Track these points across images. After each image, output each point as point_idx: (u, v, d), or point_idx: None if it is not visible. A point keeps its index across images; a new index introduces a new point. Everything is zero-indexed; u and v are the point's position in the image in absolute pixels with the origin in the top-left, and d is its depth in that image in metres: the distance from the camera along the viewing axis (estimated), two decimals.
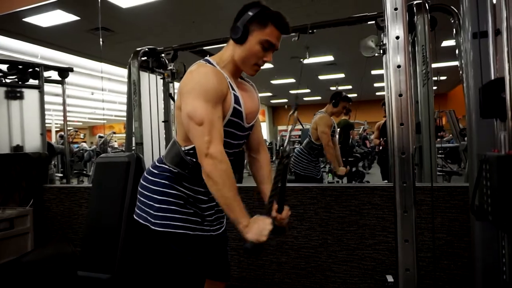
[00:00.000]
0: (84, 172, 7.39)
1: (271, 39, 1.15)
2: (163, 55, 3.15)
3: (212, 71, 1.13)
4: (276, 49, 1.19)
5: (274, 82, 10.52)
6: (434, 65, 2.25)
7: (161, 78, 3.26)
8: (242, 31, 1.14)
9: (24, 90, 3.76)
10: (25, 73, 3.74)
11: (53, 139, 10.98)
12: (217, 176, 1.05)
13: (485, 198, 1.16)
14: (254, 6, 1.15)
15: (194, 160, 1.18)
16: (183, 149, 1.20)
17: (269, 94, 13.25)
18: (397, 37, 1.08)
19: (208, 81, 1.09)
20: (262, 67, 1.23)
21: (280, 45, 1.19)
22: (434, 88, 2.27)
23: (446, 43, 5.75)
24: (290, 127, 1.19)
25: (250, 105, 1.24)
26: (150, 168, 1.28)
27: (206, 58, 1.21)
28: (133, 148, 3.05)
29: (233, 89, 1.16)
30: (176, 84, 3.34)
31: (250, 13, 1.14)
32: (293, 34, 2.32)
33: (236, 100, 1.16)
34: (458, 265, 1.90)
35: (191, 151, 1.18)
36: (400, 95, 1.07)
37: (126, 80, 3.07)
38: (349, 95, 3.16)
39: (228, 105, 1.14)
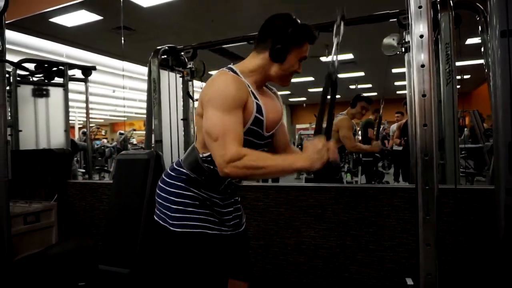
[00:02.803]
0: (105, 168, 7.56)
1: (306, 54, 1.21)
2: (182, 53, 3.18)
3: (233, 78, 1.13)
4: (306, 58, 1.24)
5: (292, 80, 10.37)
6: (458, 63, 2.18)
7: (180, 77, 3.30)
8: (282, 53, 1.16)
9: (49, 88, 3.88)
10: (50, 72, 3.86)
11: (76, 136, 11.28)
12: (245, 171, 1.05)
13: None
14: (288, 23, 1.16)
15: (211, 167, 1.19)
16: (201, 155, 1.20)
17: (288, 92, 13.19)
18: (421, 36, 1.05)
19: (227, 88, 1.09)
20: None
21: None
22: (458, 87, 2.21)
23: (470, 41, 5.55)
24: (336, 39, 1.19)
25: (273, 115, 1.24)
26: (168, 170, 1.30)
27: (229, 66, 1.21)
28: (153, 145, 3.10)
29: (255, 98, 1.16)
30: (196, 83, 3.37)
31: (287, 32, 1.14)
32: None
33: (259, 109, 1.16)
34: (481, 270, 1.84)
35: (209, 159, 1.19)
36: (424, 95, 1.04)
37: (146, 78, 3.12)
38: (369, 94, 3.11)
39: (249, 114, 1.14)
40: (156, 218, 1.26)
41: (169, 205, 1.21)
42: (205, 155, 1.19)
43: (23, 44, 5.92)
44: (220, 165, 1.06)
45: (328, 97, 1.14)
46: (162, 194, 1.25)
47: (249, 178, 1.11)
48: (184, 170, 1.23)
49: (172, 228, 1.19)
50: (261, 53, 1.20)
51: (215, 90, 1.11)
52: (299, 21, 1.18)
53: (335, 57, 1.17)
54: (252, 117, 1.15)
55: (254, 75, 1.20)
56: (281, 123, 1.35)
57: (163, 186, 1.27)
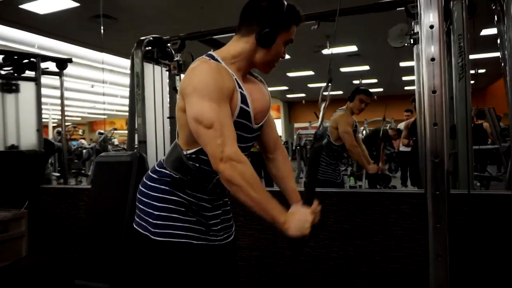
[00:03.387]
0: (83, 171, 7.51)
1: (293, 37, 1.22)
2: (169, 44, 3.16)
3: (216, 67, 1.12)
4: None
5: (290, 74, 10.49)
6: (471, 57, 2.20)
7: (166, 70, 3.28)
8: (271, 38, 1.17)
9: (19, 82, 3.84)
10: (21, 64, 3.81)
11: (50, 136, 11.19)
12: (239, 179, 1.03)
13: None
14: (274, 4, 1.16)
15: (197, 165, 1.19)
16: (185, 153, 1.19)
17: (285, 88, 13.22)
18: (431, 26, 1.05)
19: (212, 78, 1.09)
20: None
21: (297, 34, 1.23)
22: (472, 82, 2.23)
23: (485, 32, 5.61)
24: (323, 105, 1.18)
25: (259, 104, 1.24)
26: (149, 173, 1.29)
27: (209, 52, 1.20)
28: (136, 146, 3.08)
29: (240, 87, 1.16)
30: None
31: (275, 15, 1.15)
32: (313, 21, 2.30)
33: (243, 99, 1.15)
34: (497, 284, 1.85)
35: (193, 156, 1.18)
36: (434, 91, 1.04)
37: (128, 72, 3.10)
38: (374, 90, 3.12)
39: (234, 105, 1.13)
40: (135, 226, 1.25)
41: (151, 211, 1.20)
42: (189, 151, 1.19)
43: None
44: (215, 155, 1.04)
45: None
46: (143, 199, 1.24)
47: (231, 190, 1.07)
48: (167, 171, 1.22)
49: (153, 237, 1.17)
50: (245, 36, 1.20)
51: (198, 81, 1.10)
52: (285, 1, 1.18)
53: (321, 126, 1.17)
54: (238, 109, 1.14)
55: (237, 61, 1.20)
56: (269, 115, 1.34)
57: (144, 190, 1.26)
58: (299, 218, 1.06)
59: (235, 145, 1.06)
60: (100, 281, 2.13)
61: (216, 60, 1.16)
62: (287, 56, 1.27)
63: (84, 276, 2.20)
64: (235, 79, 1.16)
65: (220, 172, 1.05)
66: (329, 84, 1.17)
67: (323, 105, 1.17)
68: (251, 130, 1.22)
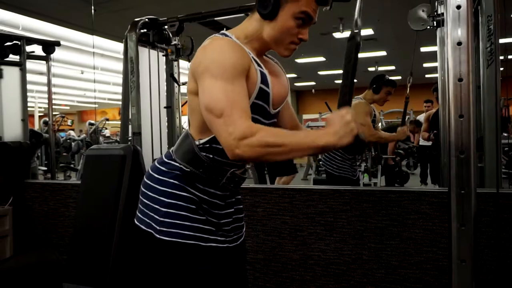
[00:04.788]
0: (72, 165, 7.57)
1: (307, 9, 1.12)
2: (166, 27, 3.16)
3: (229, 43, 1.12)
4: (314, 22, 1.17)
5: (299, 61, 10.46)
6: (501, 41, 2.18)
7: (163, 55, 3.28)
8: (273, 4, 1.12)
9: (2, 67, 3.85)
10: (3, 47, 3.82)
11: (36, 126, 11.27)
12: (263, 150, 1.00)
13: None
14: None
15: (211, 156, 1.18)
16: (197, 143, 1.19)
17: (293, 75, 13.19)
18: (458, 7, 1.04)
19: (225, 54, 1.08)
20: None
21: None
22: (501, 69, 2.21)
23: None
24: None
25: (278, 88, 1.23)
26: (157, 164, 1.28)
27: (222, 31, 1.20)
28: (130, 138, 3.09)
29: (259, 66, 1.15)
30: (182, 63, 3.35)
31: None
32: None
33: (263, 79, 1.15)
34: None
35: (206, 145, 1.18)
36: (460, 79, 1.03)
37: (122, 57, 3.10)
38: (392, 78, 3.11)
39: (253, 85, 1.12)
40: (137, 223, 1.25)
41: (157, 207, 1.20)
42: (202, 141, 1.18)
43: None
44: (229, 145, 1.02)
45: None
46: (149, 193, 1.24)
47: (265, 160, 1.08)
48: (177, 164, 1.22)
49: (158, 236, 1.17)
50: (255, 13, 1.19)
51: (210, 59, 1.09)
52: None
53: (358, 15, 1.15)
54: (257, 88, 1.13)
55: (251, 41, 1.19)
56: (287, 101, 1.35)
57: (150, 183, 1.25)
58: (339, 123, 1.03)
59: (246, 120, 1.03)
60: (90, 285, 2.15)
61: (230, 38, 1.16)
62: None
63: (73, 279, 2.22)
64: (252, 57, 1.15)
65: (240, 156, 1.01)
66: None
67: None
68: (268, 115, 1.21)
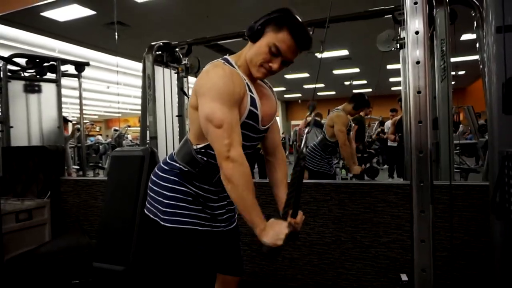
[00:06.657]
0: (100, 165, 7.51)
1: (280, 45, 1.08)
2: (177, 49, 3.15)
3: (229, 73, 1.10)
4: (288, 60, 1.12)
5: (288, 76, 10.45)
6: (452, 59, 2.19)
7: (175, 73, 3.27)
8: (256, 30, 1.10)
9: (41, 84, 3.83)
10: (42, 67, 3.80)
11: (70, 132, 11.16)
12: (238, 179, 1.03)
13: (507, 196, 1.13)
14: (279, 10, 1.11)
15: (205, 159, 1.18)
16: (194, 147, 1.19)
17: (283, 88, 13.17)
18: (417, 32, 1.04)
19: (224, 83, 1.06)
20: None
21: None
22: (453, 83, 2.21)
23: (465, 37, 5.58)
24: (306, 129, 1.16)
25: (267, 108, 1.22)
26: (161, 164, 1.29)
27: (225, 57, 1.18)
28: (147, 142, 3.08)
29: (250, 91, 1.13)
30: (190, 79, 3.34)
31: (271, 15, 1.10)
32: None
33: (253, 103, 1.14)
34: (475, 266, 1.85)
35: (202, 150, 1.18)
36: (419, 92, 1.03)
37: (140, 74, 3.09)
38: (364, 90, 3.11)
39: (244, 107, 1.12)
40: (146, 212, 1.26)
41: (161, 199, 1.21)
42: (199, 146, 1.18)
43: (14, 39, 5.85)
44: (222, 153, 1.03)
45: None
46: (155, 188, 1.25)
47: (227, 187, 1.06)
48: (178, 164, 1.22)
49: (162, 223, 1.18)
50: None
51: (212, 84, 1.07)
52: (298, 17, 1.11)
53: (304, 148, 1.11)
54: (247, 110, 1.13)
55: (244, 64, 1.17)
56: (276, 125, 1.33)
57: (155, 180, 1.26)
58: (275, 230, 1.03)
59: (240, 148, 1.05)
60: (116, 263, 2.14)
61: (230, 63, 1.15)
62: None
63: (101, 259, 2.20)
64: (246, 83, 1.13)
65: (223, 169, 1.04)
66: (313, 110, 1.15)
67: (306, 130, 1.15)
68: (257, 131, 1.21)
